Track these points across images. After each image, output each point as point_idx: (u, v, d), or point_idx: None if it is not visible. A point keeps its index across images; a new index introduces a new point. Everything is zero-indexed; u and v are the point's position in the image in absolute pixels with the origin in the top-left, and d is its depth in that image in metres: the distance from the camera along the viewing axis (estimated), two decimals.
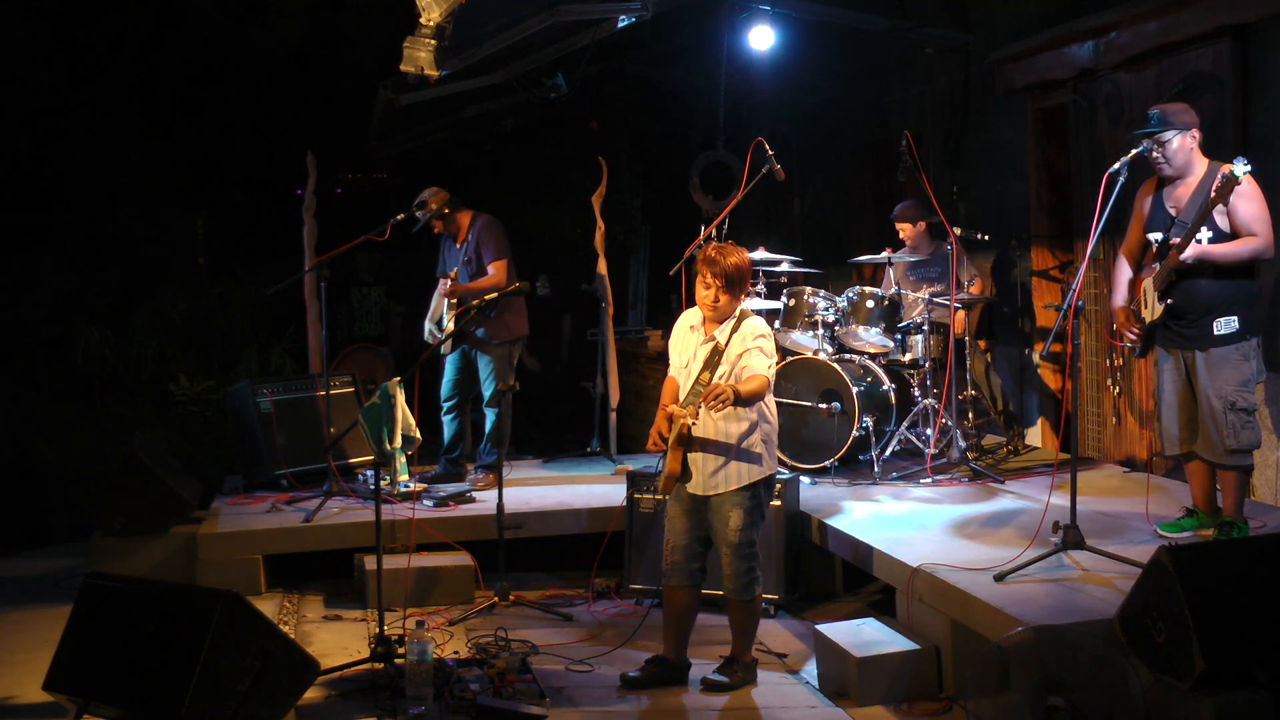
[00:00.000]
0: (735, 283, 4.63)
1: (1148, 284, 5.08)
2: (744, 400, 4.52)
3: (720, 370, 4.63)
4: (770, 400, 4.77)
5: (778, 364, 4.86)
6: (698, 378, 4.65)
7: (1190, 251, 4.85)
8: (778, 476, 5.02)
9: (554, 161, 12.44)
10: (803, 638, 5.41)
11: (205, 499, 6.78)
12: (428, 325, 7.10)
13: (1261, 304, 5.04)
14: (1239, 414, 4.94)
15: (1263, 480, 5.95)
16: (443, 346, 6.92)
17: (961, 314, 6.95)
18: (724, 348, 4.64)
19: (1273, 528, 5.33)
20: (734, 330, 4.67)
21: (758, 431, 4.67)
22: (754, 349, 4.61)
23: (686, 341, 4.80)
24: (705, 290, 4.65)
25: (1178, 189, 5.06)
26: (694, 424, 4.56)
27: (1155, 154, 5.01)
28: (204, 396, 10.00)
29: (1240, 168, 4.63)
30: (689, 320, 4.83)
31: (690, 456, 4.65)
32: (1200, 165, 5.02)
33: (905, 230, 7.62)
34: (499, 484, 5.87)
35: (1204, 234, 4.91)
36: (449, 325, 6.86)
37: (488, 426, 7.07)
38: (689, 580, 4.77)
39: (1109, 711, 3.67)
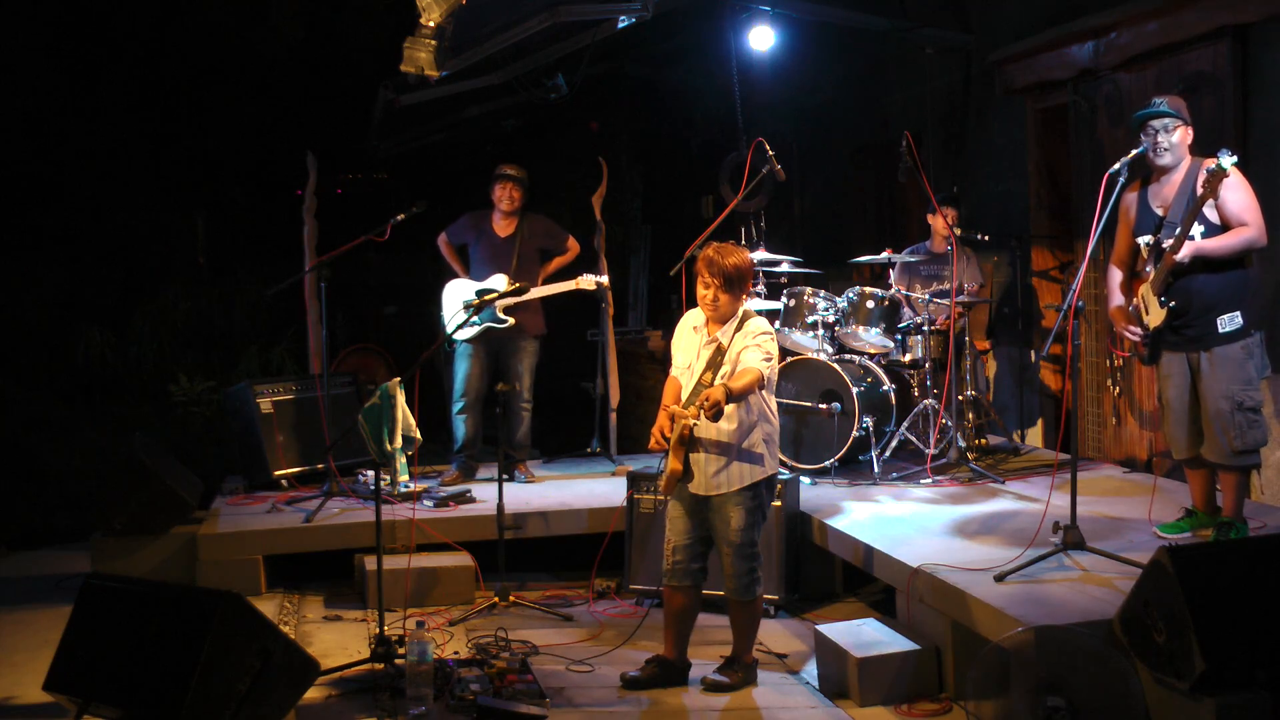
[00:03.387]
0: (735, 282, 4.63)
1: (1145, 289, 5.04)
2: (737, 396, 4.51)
3: (723, 370, 4.62)
4: (771, 400, 4.77)
5: (779, 364, 4.84)
6: (700, 378, 4.65)
7: (1186, 250, 4.82)
8: (778, 477, 5.02)
9: (555, 162, 12.43)
10: (803, 638, 5.41)
11: (205, 499, 6.77)
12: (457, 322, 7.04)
13: (1261, 296, 5.01)
14: (1246, 413, 4.91)
15: (1263, 480, 5.94)
16: (456, 335, 6.96)
17: (955, 313, 6.92)
18: (726, 348, 4.64)
19: (1273, 528, 5.33)
20: (736, 330, 4.67)
21: (759, 431, 4.67)
22: (752, 345, 4.61)
23: (689, 342, 4.80)
24: (705, 290, 4.65)
25: (1163, 188, 5.04)
26: (696, 424, 4.56)
27: (1160, 138, 4.96)
28: (204, 396, 9.99)
29: (1226, 159, 4.61)
30: (692, 321, 4.83)
31: (692, 456, 4.65)
32: (1185, 163, 4.99)
33: (952, 216, 7.46)
34: (499, 484, 5.88)
35: (1196, 229, 4.88)
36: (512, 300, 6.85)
37: (520, 423, 7.17)
38: (690, 580, 4.77)
39: (1109, 712, 3.67)
